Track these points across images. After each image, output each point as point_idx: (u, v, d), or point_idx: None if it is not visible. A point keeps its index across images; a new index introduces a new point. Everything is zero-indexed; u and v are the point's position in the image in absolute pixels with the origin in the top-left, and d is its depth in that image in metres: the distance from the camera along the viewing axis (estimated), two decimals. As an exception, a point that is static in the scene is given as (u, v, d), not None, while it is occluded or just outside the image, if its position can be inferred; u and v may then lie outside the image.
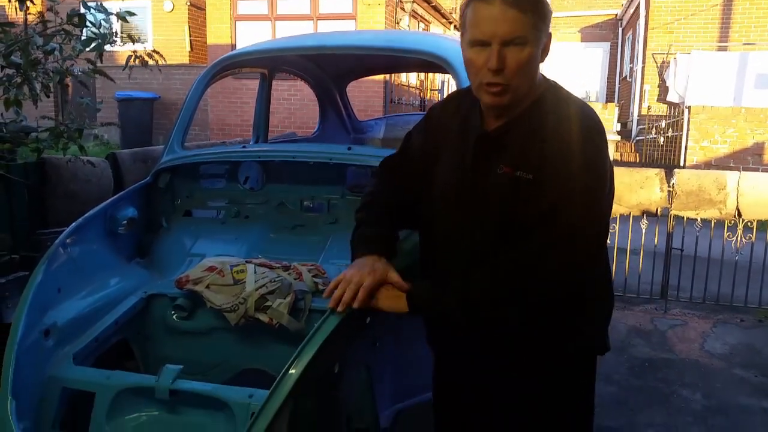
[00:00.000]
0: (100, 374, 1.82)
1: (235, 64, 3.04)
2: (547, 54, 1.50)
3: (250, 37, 10.46)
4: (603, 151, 1.50)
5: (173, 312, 2.19)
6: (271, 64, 3.60)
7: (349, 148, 2.49)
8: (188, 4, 14.34)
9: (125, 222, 2.38)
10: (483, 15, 1.41)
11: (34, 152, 2.98)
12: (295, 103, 10.94)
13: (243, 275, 2.15)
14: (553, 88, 1.56)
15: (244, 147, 2.77)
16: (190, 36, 14.38)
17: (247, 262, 2.23)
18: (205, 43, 12.41)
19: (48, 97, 3.50)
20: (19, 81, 3.19)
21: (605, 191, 1.51)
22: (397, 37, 3.49)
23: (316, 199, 2.65)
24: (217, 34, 11.43)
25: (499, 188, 1.48)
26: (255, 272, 2.17)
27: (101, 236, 2.29)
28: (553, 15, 1.54)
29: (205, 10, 12.01)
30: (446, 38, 3.13)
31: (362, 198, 1.79)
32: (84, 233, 2.16)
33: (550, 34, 1.50)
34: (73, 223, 2.11)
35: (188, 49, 14.37)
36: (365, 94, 10.27)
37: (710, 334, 4.92)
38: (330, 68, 4.09)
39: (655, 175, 5.20)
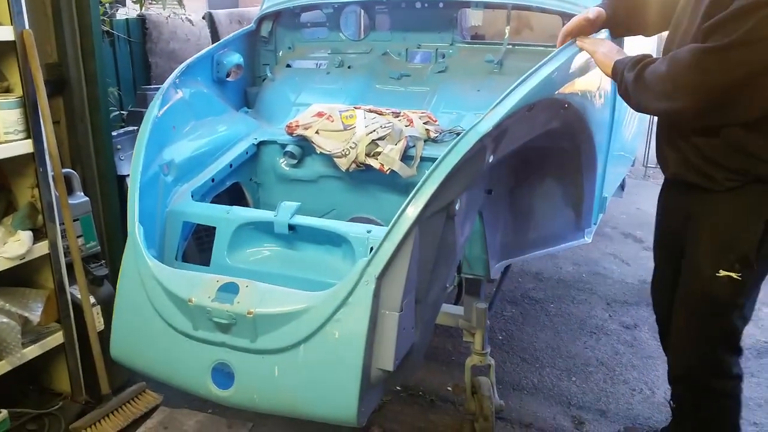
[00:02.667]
0: (219, 209, 1.84)
1: None
2: None
3: None
4: None
5: (283, 159, 2.17)
6: None
7: (464, -15, 2.28)
8: None
9: (231, 69, 2.33)
10: None
11: (136, 3, 2.94)
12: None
13: (353, 120, 2.08)
14: None
15: (348, -10, 2.60)
16: None
17: (355, 108, 2.15)
18: None
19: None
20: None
21: None
22: None
23: (422, 48, 2.49)
24: None
25: None
26: (365, 118, 2.09)
27: (210, 82, 2.25)
28: None
29: None
30: None
31: None
32: (194, 74, 2.12)
33: None
34: (183, 63, 2.08)
35: None
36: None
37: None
38: None
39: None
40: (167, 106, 1.94)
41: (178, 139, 1.96)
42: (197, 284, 1.51)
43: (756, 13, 1.42)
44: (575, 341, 2.98)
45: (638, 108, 1.75)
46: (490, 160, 1.63)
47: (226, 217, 1.80)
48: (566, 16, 2.17)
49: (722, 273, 1.71)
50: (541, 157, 2.02)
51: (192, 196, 1.90)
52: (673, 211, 1.92)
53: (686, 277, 1.84)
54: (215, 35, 3.52)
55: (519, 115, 1.62)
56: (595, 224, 2.30)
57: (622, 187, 3.49)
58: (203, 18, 3.60)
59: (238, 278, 1.50)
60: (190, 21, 3.31)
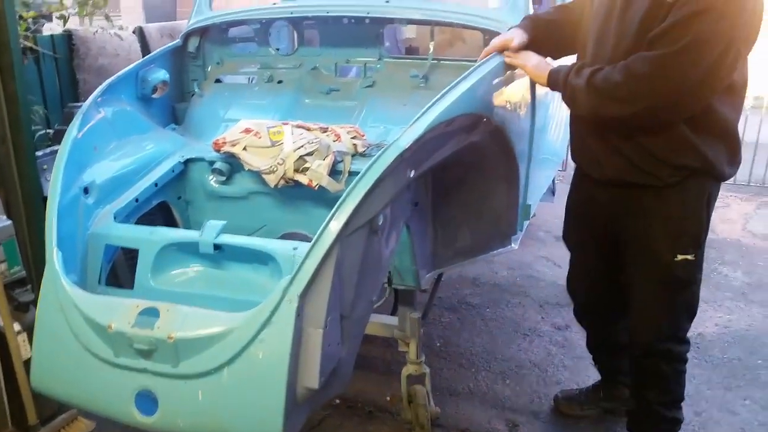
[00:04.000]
0: (142, 230, 1.82)
1: None
2: None
3: None
4: None
5: (211, 176, 2.15)
6: None
7: (387, 1, 2.32)
8: None
9: (157, 85, 2.30)
10: None
11: (60, 19, 2.87)
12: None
13: (280, 136, 2.09)
14: None
15: (274, 4, 2.60)
16: None
17: (283, 124, 2.16)
18: None
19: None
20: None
21: (738, 15, 1.65)
22: None
23: (351, 63, 2.52)
24: None
25: (642, 10, 1.73)
26: (292, 134, 2.10)
27: (134, 99, 2.22)
28: None
29: None
30: None
31: None
32: (116, 93, 2.09)
33: None
34: (105, 82, 2.04)
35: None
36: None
37: (753, 215, 4.80)
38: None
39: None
40: (88, 126, 1.90)
41: (100, 160, 1.92)
42: (117, 310, 1.49)
43: (698, 19, 1.63)
44: (509, 344, 3.05)
45: (588, 112, 1.88)
46: (412, 175, 1.66)
47: (149, 238, 1.77)
48: (487, 33, 2.23)
49: (680, 257, 1.93)
50: (465, 168, 2.08)
51: (115, 218, 1.86)
52: (607, 206, 2.07)
53: (642, 265, 2.03)
54: (146, 50, 3.47)
55: (438, 131, 1.66)
56: (521, 231, 2.37)
57: (552, 192, 3.60)
58: (133, 32, 3.53)
59: (158, 302, 1.49)
60: (119, 36, 3.24)
